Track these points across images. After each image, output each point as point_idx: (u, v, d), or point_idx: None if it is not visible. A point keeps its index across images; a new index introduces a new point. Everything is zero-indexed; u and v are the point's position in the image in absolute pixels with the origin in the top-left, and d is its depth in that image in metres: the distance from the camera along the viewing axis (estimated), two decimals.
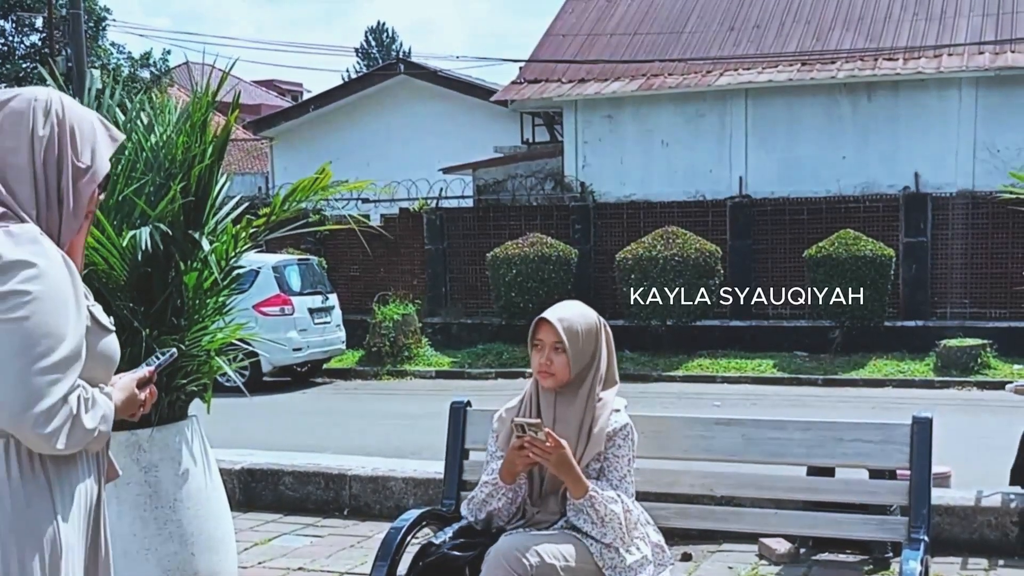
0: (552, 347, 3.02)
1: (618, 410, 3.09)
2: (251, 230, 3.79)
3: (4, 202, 1.93)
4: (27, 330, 1.80)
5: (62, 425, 1.82)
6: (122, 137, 2.14)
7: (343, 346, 15.28)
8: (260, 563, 4.98)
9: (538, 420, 2.94)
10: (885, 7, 17.21)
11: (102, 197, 2.14)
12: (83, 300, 1.94)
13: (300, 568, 4.90)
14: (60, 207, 1.99)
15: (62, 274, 1.88)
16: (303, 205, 3.96)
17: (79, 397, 1.86)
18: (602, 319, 3.18)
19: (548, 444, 2.86)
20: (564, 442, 2.90)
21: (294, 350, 13.79)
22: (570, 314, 3.07)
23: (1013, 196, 5.45)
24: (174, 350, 2.32)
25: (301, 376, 14.87)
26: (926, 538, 3.01)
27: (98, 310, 2.02)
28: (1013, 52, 15.38)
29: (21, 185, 1.95)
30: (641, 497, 3.19)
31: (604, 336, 3.12)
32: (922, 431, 3.15)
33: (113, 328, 2.06)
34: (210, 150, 3.63)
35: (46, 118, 1.99)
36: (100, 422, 1.91)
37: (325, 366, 15.34)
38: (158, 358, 2.25)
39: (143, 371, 2.16)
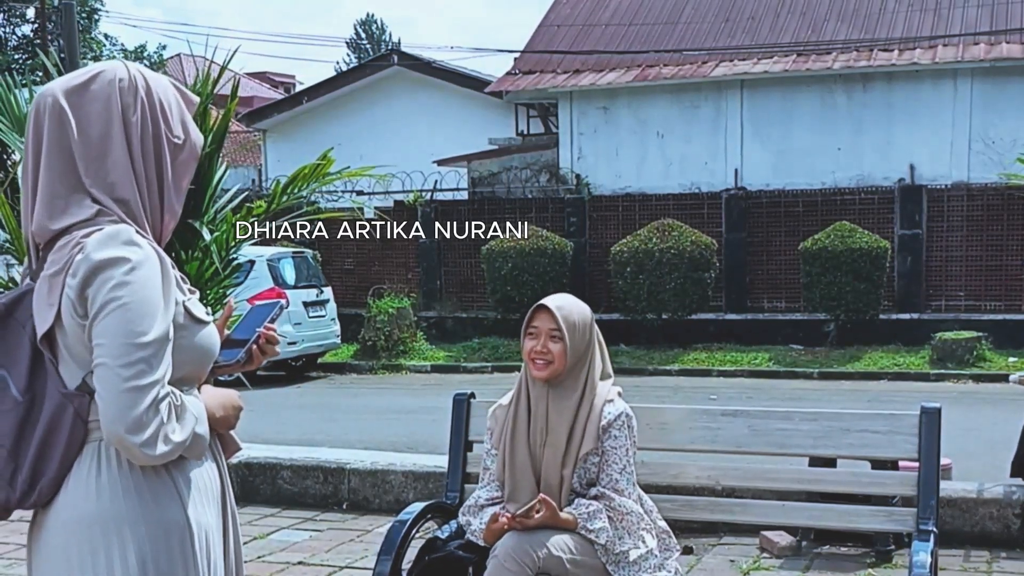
0: (548, 335, 2.99)
1: (611, 400, 3.05)
2: (252, 219, 3.74)
3: (98, 199, 1.78)
4: (123, 330, 1.68)
5: (156, 433, 1.70)
6: (197, 100, 1.98)
7: (338, 340, 15.23)
8: (259, 557, 4.94)
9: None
10: None
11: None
12: (172, 297, 1.80)
13: (300, 563, 4.87)
14: (162, 191, 1.86)
15: (153, 272, 1.75)
16: (303, 194, 3.92)
17: (170, 404, 1.74)
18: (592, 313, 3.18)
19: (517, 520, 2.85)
20: (538, 510, 2.87)
21: (288, 344, 13.71)
22: (567, 304, 3.07)
23: (1019, 183, 5.39)
24: (282, 301, 2.15)
25: (296, 370, 14.81)
26: (935, 529, 2.99)
27: (193, 303, 1.87)
28: (1008, 43, 15.37)
29: (119, 175, 1.80)
30: (645, 490, 3.16)
31: (596, 331, 3.12)
32: (930, 422, 3.14)
33: (210, 319, 1.90)
34: (209, 138, 3.58)
35: (135, 99, 1.81)
36: (195, 425, 1.80)
37: (320, 360, 15.30)
38: (267, 312, 2.07)
39: (257, 331, 2.02)
